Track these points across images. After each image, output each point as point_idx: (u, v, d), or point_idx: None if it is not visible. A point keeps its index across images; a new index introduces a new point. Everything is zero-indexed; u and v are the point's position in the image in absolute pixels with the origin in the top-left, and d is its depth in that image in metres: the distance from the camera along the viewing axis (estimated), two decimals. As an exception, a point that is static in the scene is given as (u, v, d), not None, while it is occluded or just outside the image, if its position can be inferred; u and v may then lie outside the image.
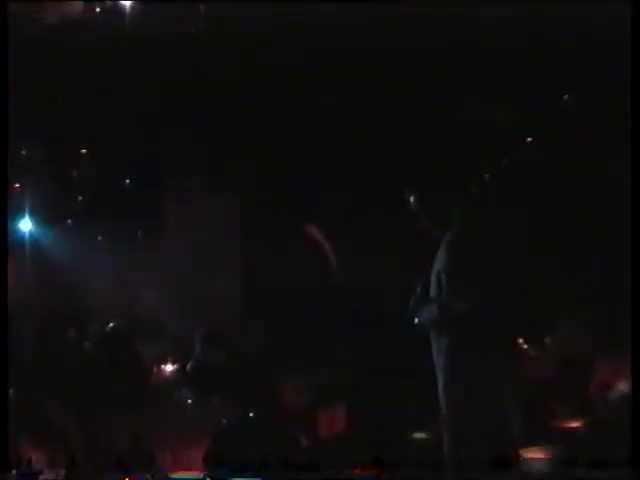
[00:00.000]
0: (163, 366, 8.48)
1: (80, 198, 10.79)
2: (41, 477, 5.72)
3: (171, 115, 8.17)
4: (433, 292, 4.92)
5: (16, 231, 9.85)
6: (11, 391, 5.90)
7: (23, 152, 8.91)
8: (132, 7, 6.68)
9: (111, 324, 9.13)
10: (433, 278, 4.93)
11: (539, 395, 6.97)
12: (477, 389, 4.77)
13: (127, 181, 10.68)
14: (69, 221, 11.18)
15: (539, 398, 6.91)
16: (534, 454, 5.82)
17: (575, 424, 6.42)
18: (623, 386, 6.35)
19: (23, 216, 10.21)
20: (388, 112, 8.26)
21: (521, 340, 8.34)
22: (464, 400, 4.82)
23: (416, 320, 4.97)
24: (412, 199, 5.04)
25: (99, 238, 11.56)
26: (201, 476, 5.71)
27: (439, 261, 4.91)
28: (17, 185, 9.48)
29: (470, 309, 4.73)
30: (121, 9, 6.67)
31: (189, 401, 7.24)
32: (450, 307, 4.78)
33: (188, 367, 8.34)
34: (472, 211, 5.02)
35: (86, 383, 7.15)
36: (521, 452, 5.75)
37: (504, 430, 4.88)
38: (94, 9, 6.64)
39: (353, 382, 7.37)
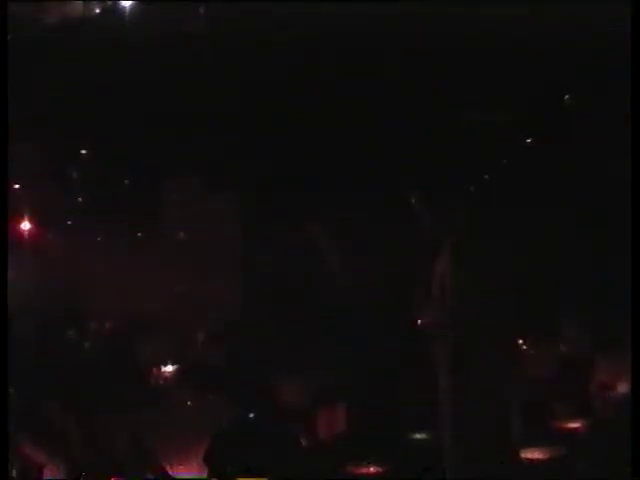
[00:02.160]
0: (163, 366, 8.48)
1: (80, 198, 10.80)
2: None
3: (171, 115, 8.17)
4: (435, 293, 4.91)
5: (16, 231, 9.85)
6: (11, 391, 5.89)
7: (23, 152, 8.90)
8: (132, 7, 6.68)
9: (110, 324, 9.11)
10: (436, 279, 4.93)
11: (540, 395, 6.97)
12: (479, 390, 4.77)
13: (126, 181, 10.69)
14: (69, 221, 11.20)
15: (540, 399, 6.91)
16: (534, 455, 5.83)
17: (575, 425, 6.42)
18: (623, 387, 6.35)
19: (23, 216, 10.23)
20: (388, 111, 8.26)
21: (523, 341, 8.35)
22: (466, 401, 4.81)
23: (418, 322, 4.97)
24: (414, 199, 5.02)
25: (98, 239, 11.58)
26: (202, 476, 5.72)
27: (442, 262, 4.91)
28: (17, 185, 9.49)
29: (473, 310, 4.72)
30: (121, 9, 6.67)
31: (188, 401, 7.23)
32: (453, 308, 4.78)
33: (185, 366, 8.35)
34: (475, 211, 5.01)
35: (85, 383, 7.15)
36: (522, 452, 5.76)
37: (506, 430, 4.87)
38: (94, 9, 6.64)
39: (353, 383, 7.37)
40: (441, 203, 4.95)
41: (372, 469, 5.91)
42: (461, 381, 4.82)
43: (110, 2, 6.67)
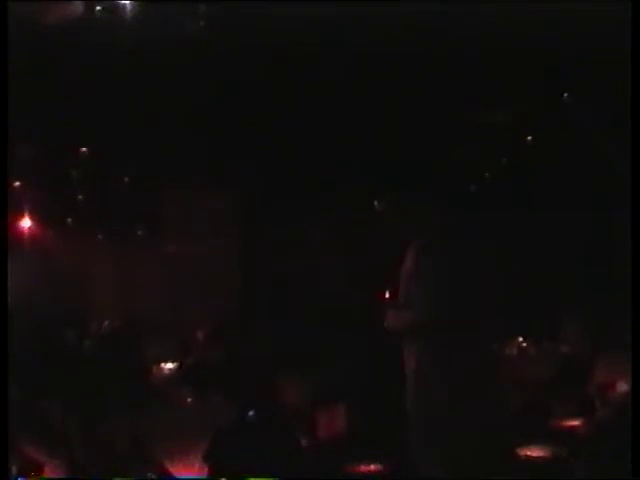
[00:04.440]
0: (163, 365, 8.50)
1: (80, 197, 10.82)
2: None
3: (172, 115, 8.19)
4: (401, 297, 4.90)
5: (16, 230, 9.87)
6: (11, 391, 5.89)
7: (23, 152, 8.93)
8: (132, 7, 6.68)
9: (110, 323, 9.14)
10: (402, 283, 4.92)
11: (528, 395, 6.98)
12: (445, 394, 4.76)
13: (126, 181, 10.72)
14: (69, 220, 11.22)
15: (529, 398, 6.93)
16: (532, 452, 5.83)
17: (572, 424, 6.42)
18: (622, 386, 6.36)
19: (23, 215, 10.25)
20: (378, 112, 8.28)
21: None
22: (432, 405, 4.80)
23: (385, 325, 4.96)
24: (381, 202, 5.00)
25: (99, 237, 11.60)
26: (202, 476, 5.72)
27: (409, 264, 4.90)
28: (17, 184, 9.51)
29: (439, 314, 4.71)
30: (121, 9, 6.67)
31: (189, 400, 7.25)
32: (417, 312, 4.77)
33: (185, 365, 8.36)
34: (443, 214, 4.99)
35: (85, 382, 7.16)
36: (519, 450, 5.76)
37: (480, 431, 4.85)
38: (94, 9, 6.64)
39: (353, 384, 7.37)
40: (409, 204, 4.94)
41: (372, 467, 5.93)
42: (426, 383, 4.80)
43: (110, 2, 6.67)
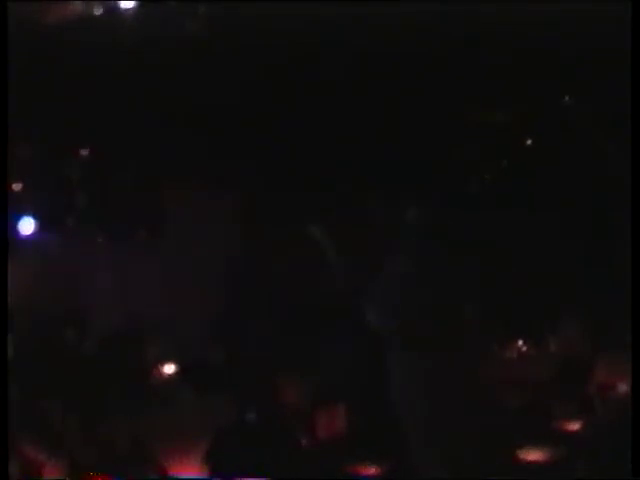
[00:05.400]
0: (163, 366, 8.48)
1: (80, 196, 10.81)
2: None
3: (172, 115, 8.18)
4: (388, 296, 4.91)
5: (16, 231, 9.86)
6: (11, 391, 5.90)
7: (23, 152, 8.92)
8: (132, 7, 6.69)
9: (111, 324, 9.11)
10: (387, 281, 4.93)
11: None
12: (444, 395, 4.77)
13: (127, 182, 10.70)
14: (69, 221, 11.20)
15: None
16: (533, 455, 5.84)
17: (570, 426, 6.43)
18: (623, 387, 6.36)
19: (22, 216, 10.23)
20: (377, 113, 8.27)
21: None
22: (431, 406, 4.81)
23: (371, 323, 4.97)
24: (380, 201, 5.03)
25: (98, 236, 11.57)
26: (202, 476, 5.73)
27: (393, 264, 4.91)
28: (17, 185, 9.50)
29: (423, 314, 4.73)
30: (121, 9, 6.68)
31: (189, 401, 7.25)
32: (402, 311, 4.78)
33: (186, 366, 8.36)
34: (428, 212, 4.99)
35: (85, 382, 7.16)
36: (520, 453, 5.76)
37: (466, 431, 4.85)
38: (94, 9, 6.65)
39: (354, 383, 7.37)
40: (395, 203, 4.96)
41: (371, 467, 5.93)
42: (424, 383, 4.82)
43: (110, 2, 6.68)
